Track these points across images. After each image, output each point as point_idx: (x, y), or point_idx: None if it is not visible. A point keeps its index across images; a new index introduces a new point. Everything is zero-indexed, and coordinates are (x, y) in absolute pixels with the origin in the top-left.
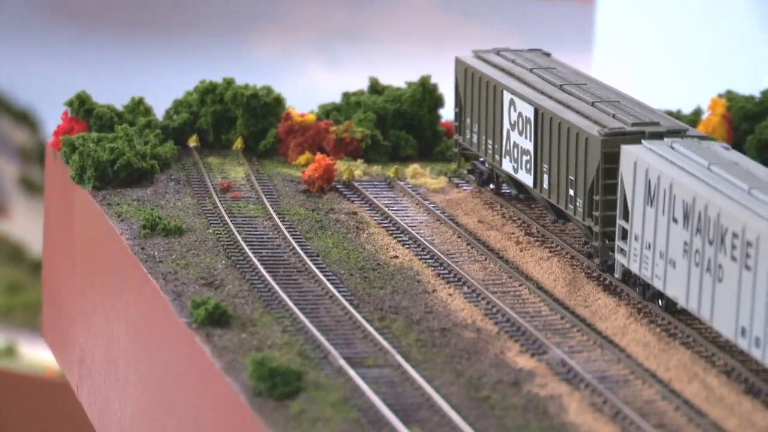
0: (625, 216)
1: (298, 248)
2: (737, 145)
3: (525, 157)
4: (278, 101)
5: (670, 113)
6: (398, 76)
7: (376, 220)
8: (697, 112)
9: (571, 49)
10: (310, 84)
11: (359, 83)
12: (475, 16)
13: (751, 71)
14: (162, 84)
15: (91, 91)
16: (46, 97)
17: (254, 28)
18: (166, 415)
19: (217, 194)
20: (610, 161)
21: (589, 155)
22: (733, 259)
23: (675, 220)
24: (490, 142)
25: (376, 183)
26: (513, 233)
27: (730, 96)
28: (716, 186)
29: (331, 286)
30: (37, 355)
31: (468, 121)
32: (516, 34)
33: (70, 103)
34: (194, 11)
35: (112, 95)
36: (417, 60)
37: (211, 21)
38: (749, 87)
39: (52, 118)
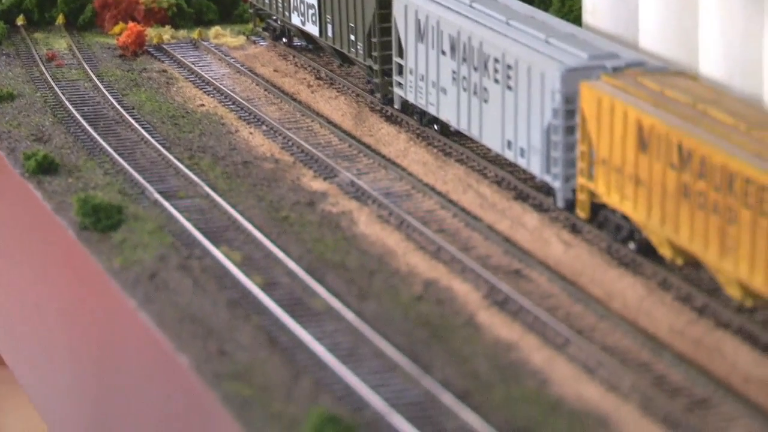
0: (400, 53)
1: (115, 103)
2: None
3: (311, 11)
4: None
5: None
6: None
7: (183, 75)
8: None
9: None
10: None
11: None
12: None
13: None
14: None
15: None
16: None
17: None
18: (10, 263)
19: (43, 63)
20: (384, 6)
21: (365, 3)
22: (496, 81)
23: (443, 53)
24: (280, 1)
25: (182, 45)
26: (305, 78)
27: None
28: (478, 20)
29: (145, 133)
30: None
31: None
32: None
33: None
34: None
35: None
36: None
37: None
38: None
39: None
